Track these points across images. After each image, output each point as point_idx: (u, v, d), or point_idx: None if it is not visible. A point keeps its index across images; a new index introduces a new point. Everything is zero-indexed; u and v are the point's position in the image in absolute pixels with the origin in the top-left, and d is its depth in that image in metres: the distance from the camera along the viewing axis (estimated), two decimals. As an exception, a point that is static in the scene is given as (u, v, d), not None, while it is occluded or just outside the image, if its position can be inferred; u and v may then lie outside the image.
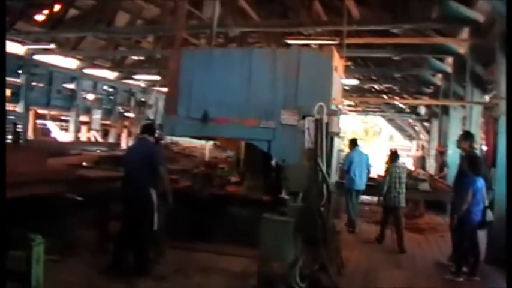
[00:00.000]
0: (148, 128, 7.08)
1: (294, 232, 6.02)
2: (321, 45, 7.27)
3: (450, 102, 13.87)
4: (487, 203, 7.14)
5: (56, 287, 5.60)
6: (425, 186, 11.27)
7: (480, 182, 6.99)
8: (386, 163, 9.72)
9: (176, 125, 7.86)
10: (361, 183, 10.42)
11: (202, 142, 10.96)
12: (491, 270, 7.56)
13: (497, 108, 8.26)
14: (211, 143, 9.84)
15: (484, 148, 11.27)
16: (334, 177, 7.29)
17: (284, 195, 6.52)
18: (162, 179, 6.59)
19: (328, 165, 6.69)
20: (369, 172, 11.10)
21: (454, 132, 14.45)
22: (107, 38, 18.73)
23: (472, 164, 7.11)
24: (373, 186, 10.95)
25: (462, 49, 13.48)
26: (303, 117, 6.83)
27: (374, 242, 9.55)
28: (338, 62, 7.78)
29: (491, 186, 7.53)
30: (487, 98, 12.28)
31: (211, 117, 7.55)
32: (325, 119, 6.51)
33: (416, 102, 19.53)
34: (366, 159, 10.79)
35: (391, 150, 10.01)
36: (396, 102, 26.10)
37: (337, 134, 7.27)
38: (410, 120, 29.85)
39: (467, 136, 7.81)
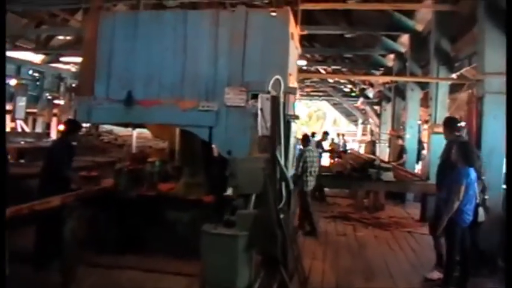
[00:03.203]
0: None
1: (246, 249, 4.48)
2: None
3: (424, 79, 12.33)
4: (478, 199, 5.85)
5: None
6: (389, 176, 10.01)
7: (473, 174, 5.64)
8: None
9: (93, 109, 6.38)
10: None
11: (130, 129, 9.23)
12: (482, 280, 6.25)
13: (481, 86, 6.94)
14: (140, 130, 8.18)
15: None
16: (291, 171, 5.89)
17: (230, 193, 5.03)
18: None
19: (286, 157, 5.29)
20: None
21: (413, 115, 13.45)
22: (26, 13, 16.56)
23: (463, 152, 5.75)
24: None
25: (420, 26, 12.43)
26: (253, 97, 5.58)
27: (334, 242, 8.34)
28: (294, 29, 6.36)
29: (480, 176, 6.22)
30: (454, 76, 11.14)
31: (137, 98, 6.17)
32: (281, 97, 5.08)
33: (386, 78, 18.37)
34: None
35: (302, 135, 9.81)
36: (361, 78, 24.60)
37: (296, 117, 5.88)
38: (358, 104, 28.81)
39: (451, 121, 6.58)
